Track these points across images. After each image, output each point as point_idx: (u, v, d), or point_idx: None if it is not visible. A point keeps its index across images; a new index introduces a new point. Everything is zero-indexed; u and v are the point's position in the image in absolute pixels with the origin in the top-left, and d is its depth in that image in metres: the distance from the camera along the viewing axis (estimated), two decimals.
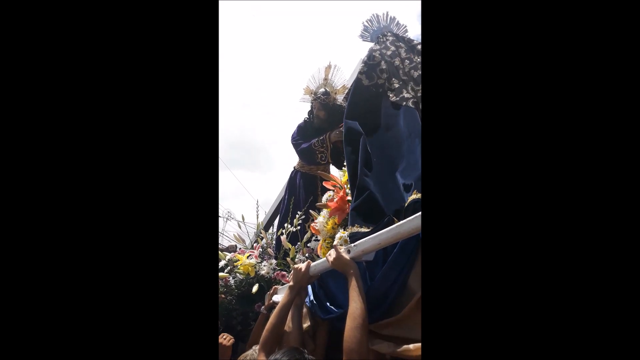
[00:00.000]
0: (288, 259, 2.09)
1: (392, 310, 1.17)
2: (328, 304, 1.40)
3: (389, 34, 1.62)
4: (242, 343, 1.90)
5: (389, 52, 1.50)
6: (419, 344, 1.00)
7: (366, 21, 1.66)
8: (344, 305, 1.31)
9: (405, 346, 1.04)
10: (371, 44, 1.68)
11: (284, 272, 2.02)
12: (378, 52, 1.52)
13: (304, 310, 1.46)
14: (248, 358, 1.32)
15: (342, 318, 1.30)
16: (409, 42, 1.51)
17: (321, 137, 2.57)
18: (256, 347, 1.35)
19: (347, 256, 1.23)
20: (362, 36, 1.68)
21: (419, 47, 1.47)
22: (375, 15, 1.65)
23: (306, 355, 1.06)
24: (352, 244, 1.26)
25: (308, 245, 2.11)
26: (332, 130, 2.56)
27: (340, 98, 2.64)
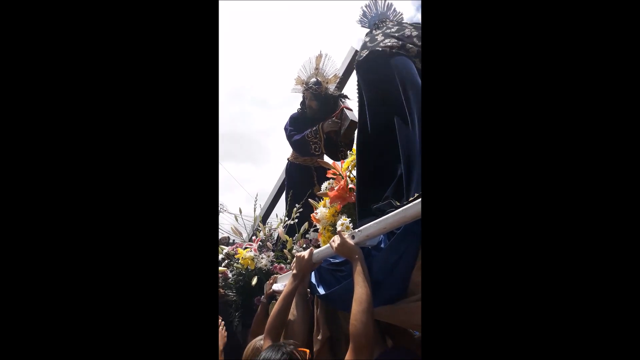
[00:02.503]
0: (285, 251, 2.09)
1: (401, 296, 1.17)
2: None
3: (388, 22, 1.62)
4: (244, 333, 1.89)
5: (393, 40, 1.50)
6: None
7: (365, 6, 1.66)
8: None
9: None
10: (368, 30, 1.68)
11: (282, 265, 2.02)
12: (380, 33, 1.51)
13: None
14: (256, 345, 1.32)
15: (333, 297, 1.32)
16: (407, 30, 1.50)
17: (314, 128, 2.55)
18: (261, 336, 1.35)
19: (351, 241, 1.23)
20: (360, 22, 1.67)
21: (414, 34, 1.46)
22: (373, 1, 1.65)
23: (286, 348, 1.07)
24: (357, 229, 1.26)
25: (306, 236, 2.11)
26: (325, 120, 2.54)
27: (332, 87, 2.62)
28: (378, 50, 1.43)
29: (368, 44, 1.50)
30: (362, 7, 1.65)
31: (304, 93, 2.66)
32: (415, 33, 1.43)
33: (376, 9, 1.64)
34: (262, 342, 1.30)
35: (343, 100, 2.61)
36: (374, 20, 1.61)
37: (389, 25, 1.52)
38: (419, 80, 1.30)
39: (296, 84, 2.71)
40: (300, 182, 2.54)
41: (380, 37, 1.47)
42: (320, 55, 2.64)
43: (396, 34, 1.44)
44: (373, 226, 1.22)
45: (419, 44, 1.37)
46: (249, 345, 1.39)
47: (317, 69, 2.65)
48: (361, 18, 1.67)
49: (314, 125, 2.57)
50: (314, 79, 2.62)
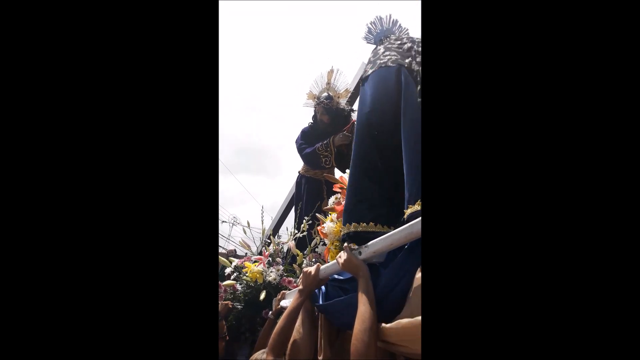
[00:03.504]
0: (295, 265, 2.07)
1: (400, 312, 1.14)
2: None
3: (392, 36, 1.63)
4: (250, 349, 1.88)
5: (392, 53, 1.49)
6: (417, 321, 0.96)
7: (370, 23, 1.67)
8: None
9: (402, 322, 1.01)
10: (374, 46, 1.68)
11: (291, 279, 2.01)
12: (383, 48, 1.52)
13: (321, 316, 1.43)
14: (258, 358, 1.30)
15: (333, 310, 1.29)
16: (410, 45, 1.50)
17: (325, 142, 2.57)
18: (263, 350, 1.33)
19: (357, 258, 1.21)
20: (366, 38, 1.68)
21: (414, 47, 1.45)
22: (378, 18, 1.66)
23: None
24: (363, 245, 1.24)
25: (316, 250, 2.10)
26: (336, 134, 2.55)
27: (343, 102, 2.64)
28: (378, 63, 1.43)
29: (372, 59, 1.50)
30: (367, 24, 1.66)
31: (315, 107, 2.69)
32: (414, 46, 1.42)
33: (381, 25, 1.64)
34: (264, 355, 1.28)
35: (354, 114, 2.62)
36: (380, 37, 1.62)
37: (391, 40, 1.53)
38: (414, 92, 1.29)
39: (308, 98, 2.74)
40: (309, 195, 2.55)
41: (381, 51, 1.47)
42: (331, 70, 2.67)
43: (396, 48, 1.44)
44: (380, 242, 1.20)
45: (419, 56, 1.37)
46: (251, 358, 1.37)
47: (328, 83, 2.68)
48: (366, 35, 1.68)
49: (325, 138, 2.58)
50: (325, 94, 2.64)
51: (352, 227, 1.27)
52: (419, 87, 1.28)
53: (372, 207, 1.28)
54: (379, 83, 1.42)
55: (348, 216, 1.31)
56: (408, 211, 1.17)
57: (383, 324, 1.05)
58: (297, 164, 2.82)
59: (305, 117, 2.79)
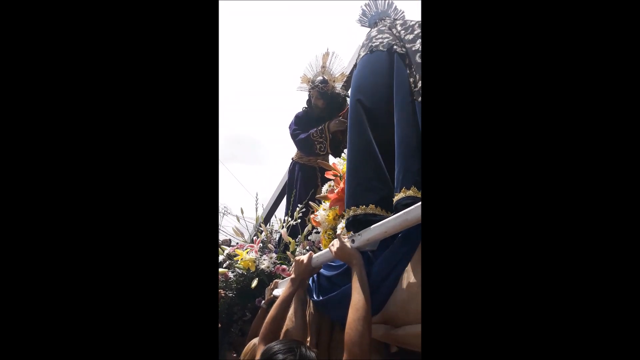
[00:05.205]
0: (288, 253, 2.05)
1: (389, 301, 1.12)
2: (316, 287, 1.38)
3: (387, 18, 1.58)
4: (242, 337, 1.87)
5: (385, 35, 1.45)
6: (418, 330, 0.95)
7: (365, 5, 1.61)
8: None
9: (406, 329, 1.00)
10: (368, 29, 1.63)
11: (284, 266, 1.99)
12: (375, 31, 1.47)
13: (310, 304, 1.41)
14: (255, 345, 1.29)
15: (329, 304, 1.27)
16: (404, 24, 1.45)
17: (320, 127, 2.51)
18: (256, 340, 1.32)
19: (351, 246, 1.19)
20: (360, 21, 1.63)
21: (417, 28, 1.41)
22: (373, 0, 1.60)
23: (303, 348, 1.01)
24: (357, 233, 1.21)
25: (309, 238, 2.07)
26: (331, 119, 2.50)
27: (338, 86, 2.58)
28: (371, 46, 1.38)
29: (365, 42, 1.45)
30: (361, 6, 1.61)
31: (310, 91, 2.62)
32: (407, 28, 1.37)
33: (376, 8, 1.59)
34: (257, 345, 1.27)
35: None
36: (374, 19, 1.57)
37: (385, 22, 1.48)
38: (405, 75, 1.25)
39: (302, 82, 2.67)
40: (303, 182, 2.50)
41: (374, 34, 1.42)
42: (327, 54, 2.60)
43: (388, 30, 1.40)
44: (373, 230, 1.17)
45: (411, 38, 1.32)
46: (247, 345, 1.36)
47: (323, 67, 2.60)
48: (360, 17, 1.63)
49: (319, 124, 2.52)
50: (320, 77, 2.57)
51: (352, 211, 1.23)
52: (409, 71, 1.24)
53: (371, 189, 1.24)
54: (372, 66, 1.38)
55: (348, 200, 1.28)
56: (396, 198, 1.14)
57: (391, 331, 1.04)
58: (290, 152, 2.77)
59: (300, 103, 2.73)
